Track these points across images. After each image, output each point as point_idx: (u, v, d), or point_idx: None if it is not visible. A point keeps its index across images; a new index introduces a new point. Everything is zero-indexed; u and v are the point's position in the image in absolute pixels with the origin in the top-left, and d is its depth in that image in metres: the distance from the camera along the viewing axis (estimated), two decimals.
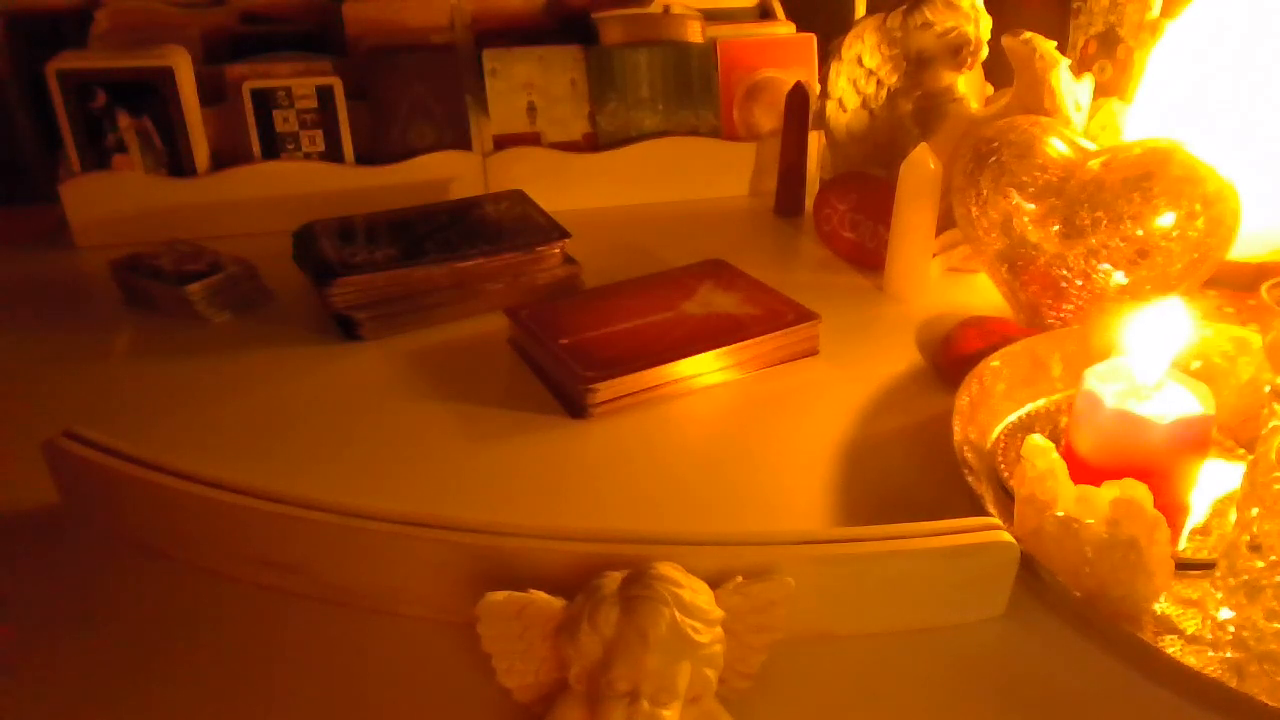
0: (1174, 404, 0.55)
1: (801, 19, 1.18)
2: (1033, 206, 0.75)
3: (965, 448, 0.61)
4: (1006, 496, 0.59)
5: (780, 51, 1.12)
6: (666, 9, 1.13)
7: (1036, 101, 0.86)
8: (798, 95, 1.03)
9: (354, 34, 1.07)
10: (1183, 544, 0.56)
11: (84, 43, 1.03)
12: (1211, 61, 0.81)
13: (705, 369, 0.73)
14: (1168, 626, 0.50)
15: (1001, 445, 0.65)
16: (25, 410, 0.71)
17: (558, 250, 0.87)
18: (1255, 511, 0.48)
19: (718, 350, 0.73)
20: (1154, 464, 0.54)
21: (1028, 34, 0.85)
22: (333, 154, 1.02)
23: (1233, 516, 0.50)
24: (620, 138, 1.09)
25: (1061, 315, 0.75)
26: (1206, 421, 0.55)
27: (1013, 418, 0.68)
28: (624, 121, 1.09)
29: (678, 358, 0.71)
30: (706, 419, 0.71)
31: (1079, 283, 0.74)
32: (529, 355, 0.77)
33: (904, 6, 0.92)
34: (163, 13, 1.08)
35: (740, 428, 0.70)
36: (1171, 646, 0.48)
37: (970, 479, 0.58)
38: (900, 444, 0.67)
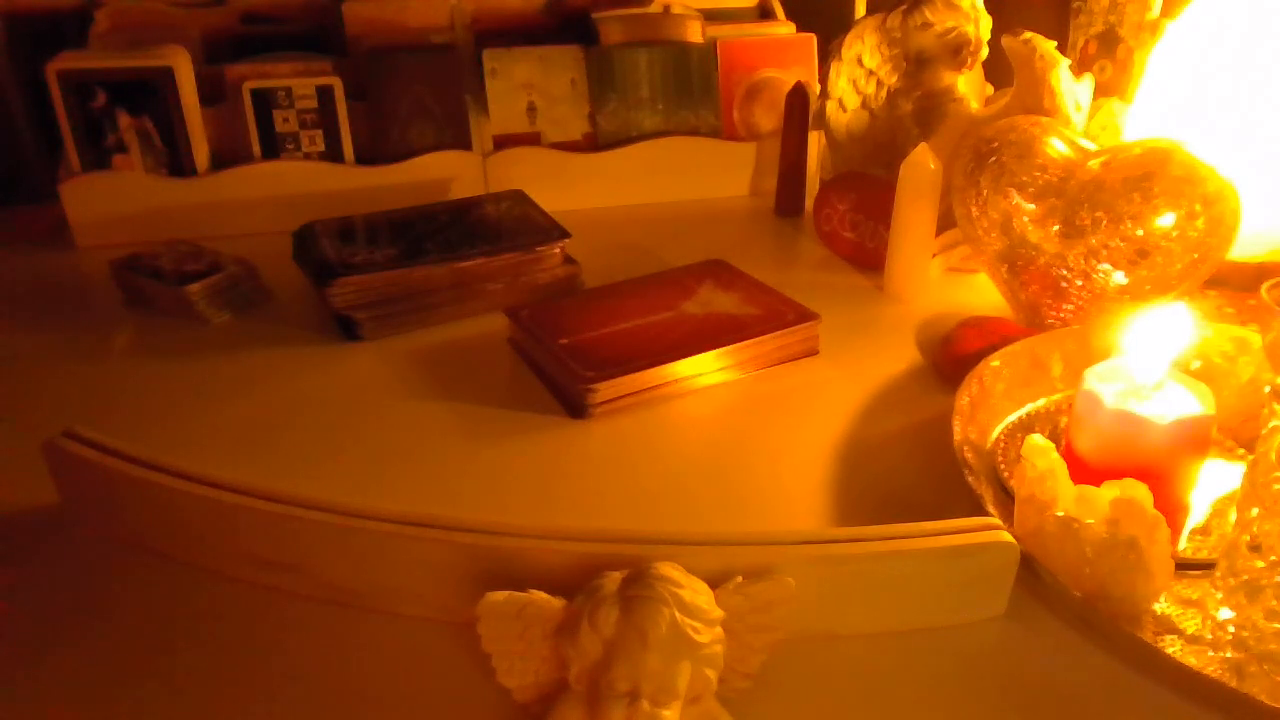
0: (1174, 404, 0.54)
1: (801, 19, 1.17)
2: (1033, 206, 0.75)
3: (965, 448, 0.61)
4: (1006, 496, 0.59)
5: (780, 51, 1.12)
6: (666, 9, 1.13)
7: (1036, 101, 0.85)
8: (798, 95, 1.03)
9: (354, 34, 1.07)
10: (1183, 544, 0.56)
11: (84, 43, 1.03)
12: (1211, 61, 0.81)
13: (705, 369, 0.73)
14: (1168, 626, 0.50)
15: (1001, 445, 0.65)
16: (25, 410, 0.71)
17: (558, 250, 0.87)
18: (1255, 511, 0.48)
19: (718, 350, 0.73)
20: (1154, 464, 0.54)
21: (1028, 34, 0.85)
22: (333, 154, 1.02)
23: (1233, 516, 0.50)
24: (620, 138, 1.09)
25: (1061, 315, 0.75)
26: (1206, 421, 0.55)
27: (1013, 418, 0.68)
28: (624, 121, 1.09)
29: (678, 358, 0.71)
30: (706, 419, 0.71)
31: (1079, 283, 0.74)
32: (529, 355, 0.77)
33: (904, 6, 0.92)
34: (163, 13, 1.08)
35: (740, 428, 0.70)
36: (1171, 646, 0.48)
37: (970, 479, 0.58)
38: (900, 444, 0.67)
